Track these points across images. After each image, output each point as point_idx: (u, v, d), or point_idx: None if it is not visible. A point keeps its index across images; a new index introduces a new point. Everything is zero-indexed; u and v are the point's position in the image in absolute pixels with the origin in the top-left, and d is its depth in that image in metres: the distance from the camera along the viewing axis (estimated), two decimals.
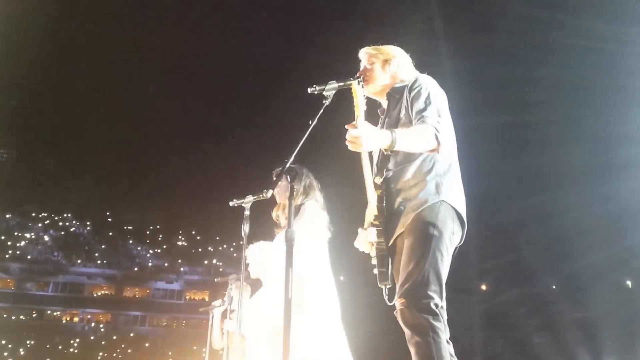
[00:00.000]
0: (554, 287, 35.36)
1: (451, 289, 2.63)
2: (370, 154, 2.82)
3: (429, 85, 2.81)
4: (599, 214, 25.27)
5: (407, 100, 2.80)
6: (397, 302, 2.58)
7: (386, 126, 2.91)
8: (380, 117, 3.03)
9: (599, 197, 24.70)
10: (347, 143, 2.51)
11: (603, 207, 24.93)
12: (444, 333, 2.49)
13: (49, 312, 43.42)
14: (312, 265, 3.53)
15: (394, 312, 2.62)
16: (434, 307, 2.49)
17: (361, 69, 3.03)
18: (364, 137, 2.47)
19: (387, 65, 2.98)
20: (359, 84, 2.64)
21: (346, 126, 2.53)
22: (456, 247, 2.73)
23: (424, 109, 2.68)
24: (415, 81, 2.83)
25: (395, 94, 2.92)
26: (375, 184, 2.76)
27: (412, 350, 2.49)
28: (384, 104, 3.02)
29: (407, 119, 2.77)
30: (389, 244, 2.76)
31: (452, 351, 2.54)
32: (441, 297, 2.54)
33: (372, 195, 2.77)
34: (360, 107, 2.62)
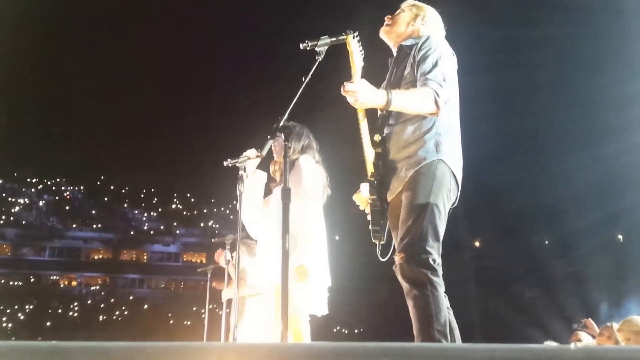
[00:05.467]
0: (546, 242, 35.77)
1: (445, 246, 2.67)
2: (367, 111, 2.79)
3: (439, 46, 2.78)
4: (592, 174, 25.42)
5: (414, 58, 2.77)
6: (397, 257, 2.62)
7: (393, 78, 2.90)
8: (389, 65, 3.00)
9: (593, 158, 24.81)
10: (343, 95, 2.53)
11: (596, 168, 25.07)
12: (441, 287, 2.54)
13: (46, 277, 43.65)
14: (308, 223, 3.52)
15: (393, 267, 2.66)
16: (432, 262, 2.53)
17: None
18: (360, 93, 2.50)
19: (412, 20, 2.95)
20: (354, 38, 2.62)
21: (345, 83, 2.53)
22: (450, 208, 2.75)
23: (429, 72, 2.67)
24: (425, 41, 2.79)
25: (406, 48, 2.89)
26: (374, 141, 2.77)
27: (410, 304, 2.54)
28: (395, 53, 3.00)
29: (411, 77, 2.76)
30: (389, 201, 2.78)
31: (448, 304, 2.60)
32: (438, 253, 2.58)
33: (369, 153, 2.77)
34: (356, 63, 2.61)
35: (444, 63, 2.71)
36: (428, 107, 2.60)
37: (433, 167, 2.65)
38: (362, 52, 2.67)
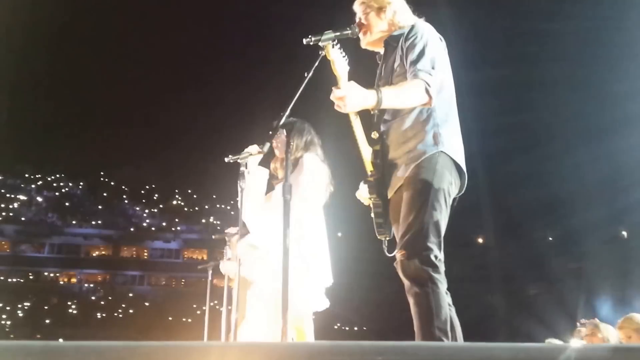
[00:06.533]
0: (550, 238, 35.78)
1: (447, 243, 2.64)
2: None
3: (425, 33, 2.74)
4: (597, 169, 25.42)
5: (402, 50, 2.74)
6: (398, 254, 2.60)
7: (383, 73, 2.87)
8: (379, 64, 2.96)
9: (598, 153, 24.79)
10: (333, 101, 2.52)
11: (601, 164, 25.06)
12: (443, 284, 2.52)
13: (45, 273, 43.61)
14: (306, 220, 3.50)
15: (394, 264, 2.63)
16: (433, 258, 2.51)
17: (357, 21, 2.93)
18: (348, 98, 2.49)
19: (382, 13, 2.87)
20: (333, 47, 2.60)
21: (333, 88, 2.53)
22: (455, 198, 2.72)
23: (417, 61, 2.64)
24: (411, 30, 2.76)
25: (392, 41, 2.84)
26: (371, 139, 2.75)
27: (411, 301, 2.52)
28: (382, 51, 2.95)
29: (402, 69, 2.73)
30: (389, 197, 2.75)
31: (450, 301, 2.58)
32: (440, 249, 2.56)
33: (366, 152, 2.75)
34: (339, 69, 2.60)
35: (431, 49, 2.67)
36: (420, 98, 2.57)
37: (434, 160, 2.61)
38: (345, 57, 2.64)
